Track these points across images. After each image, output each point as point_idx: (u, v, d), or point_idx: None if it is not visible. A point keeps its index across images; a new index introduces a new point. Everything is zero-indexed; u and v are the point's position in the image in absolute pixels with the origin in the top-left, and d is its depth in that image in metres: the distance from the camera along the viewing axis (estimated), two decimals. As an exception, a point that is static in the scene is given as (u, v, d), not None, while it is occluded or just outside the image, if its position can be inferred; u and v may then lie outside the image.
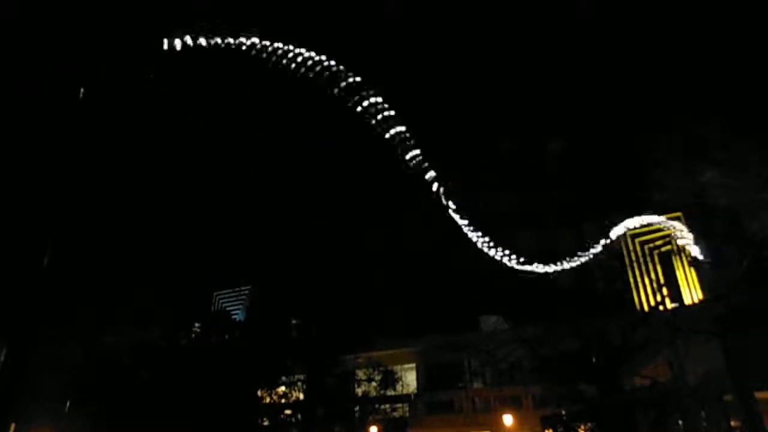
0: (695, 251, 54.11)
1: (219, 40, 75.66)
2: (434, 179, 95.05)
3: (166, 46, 71.74)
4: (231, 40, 76.50)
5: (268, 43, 79.52)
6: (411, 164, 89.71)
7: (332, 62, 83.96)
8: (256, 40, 78.07)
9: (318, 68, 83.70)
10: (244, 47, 77.50)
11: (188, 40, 73.21)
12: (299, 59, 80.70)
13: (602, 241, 71.78)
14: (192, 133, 74.62)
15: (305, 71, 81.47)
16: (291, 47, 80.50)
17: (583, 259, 66.67)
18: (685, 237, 63.36)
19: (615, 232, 68.83)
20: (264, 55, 79.10)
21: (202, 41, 74.61)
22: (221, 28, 75.05)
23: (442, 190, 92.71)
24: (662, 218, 77.31)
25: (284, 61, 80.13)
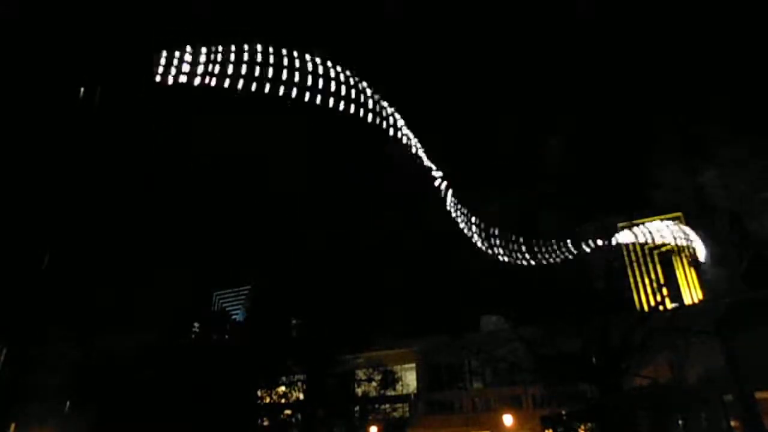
0: (700, 253, 54.04)
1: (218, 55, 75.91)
2: (437, 177, 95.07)
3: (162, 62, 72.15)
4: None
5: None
6: (414, 163, 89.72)
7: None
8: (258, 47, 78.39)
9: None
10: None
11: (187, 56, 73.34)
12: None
13: (603, 242, 71.82)
14: (192, 133, 74.63)
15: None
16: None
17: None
18: (687, 238, 63.28)
19: (619, 238, 68.75)
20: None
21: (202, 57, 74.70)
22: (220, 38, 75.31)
23: (444, 188, 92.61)
24: (665, 224, 77.00)
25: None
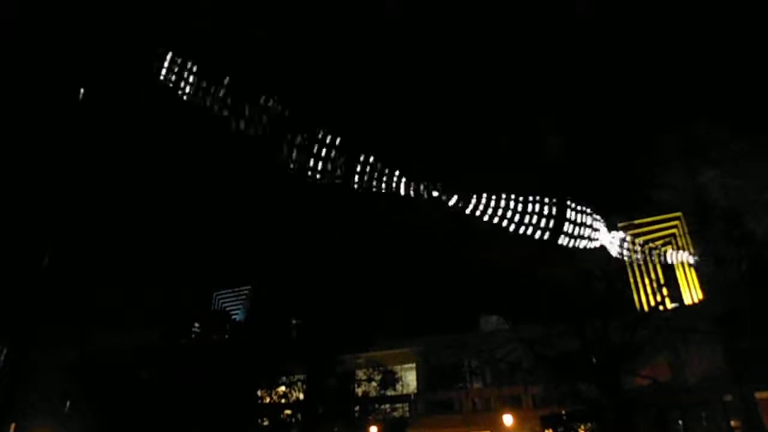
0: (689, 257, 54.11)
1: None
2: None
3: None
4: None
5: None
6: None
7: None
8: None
9: None
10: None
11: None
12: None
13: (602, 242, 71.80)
14: (192, 132, 74.59)
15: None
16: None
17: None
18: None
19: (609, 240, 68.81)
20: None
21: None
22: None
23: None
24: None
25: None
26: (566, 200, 72.01)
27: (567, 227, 72.46)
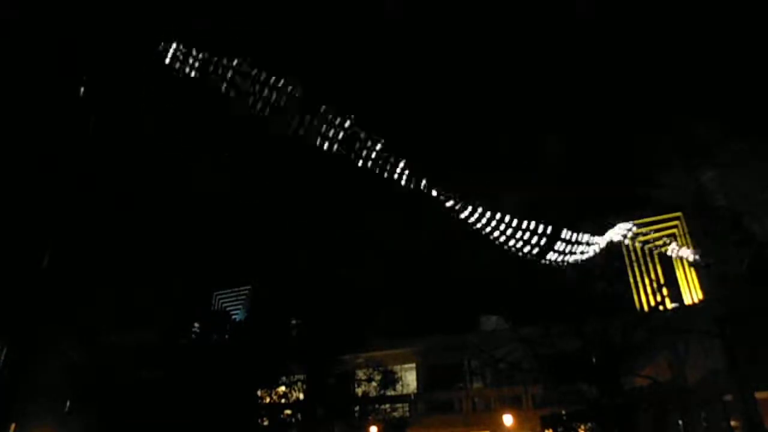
0: (690, 254, 54.04)
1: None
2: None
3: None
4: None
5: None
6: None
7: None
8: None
9: None
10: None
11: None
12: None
13: (600, 240, 71.83)
14: (191, 132, 74.60)
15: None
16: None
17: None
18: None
19: (611, 235, 68.71)
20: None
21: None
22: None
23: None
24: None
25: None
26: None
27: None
